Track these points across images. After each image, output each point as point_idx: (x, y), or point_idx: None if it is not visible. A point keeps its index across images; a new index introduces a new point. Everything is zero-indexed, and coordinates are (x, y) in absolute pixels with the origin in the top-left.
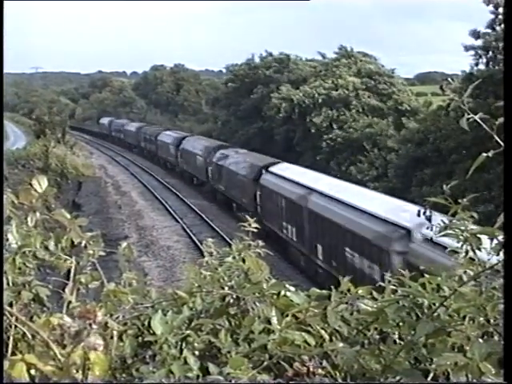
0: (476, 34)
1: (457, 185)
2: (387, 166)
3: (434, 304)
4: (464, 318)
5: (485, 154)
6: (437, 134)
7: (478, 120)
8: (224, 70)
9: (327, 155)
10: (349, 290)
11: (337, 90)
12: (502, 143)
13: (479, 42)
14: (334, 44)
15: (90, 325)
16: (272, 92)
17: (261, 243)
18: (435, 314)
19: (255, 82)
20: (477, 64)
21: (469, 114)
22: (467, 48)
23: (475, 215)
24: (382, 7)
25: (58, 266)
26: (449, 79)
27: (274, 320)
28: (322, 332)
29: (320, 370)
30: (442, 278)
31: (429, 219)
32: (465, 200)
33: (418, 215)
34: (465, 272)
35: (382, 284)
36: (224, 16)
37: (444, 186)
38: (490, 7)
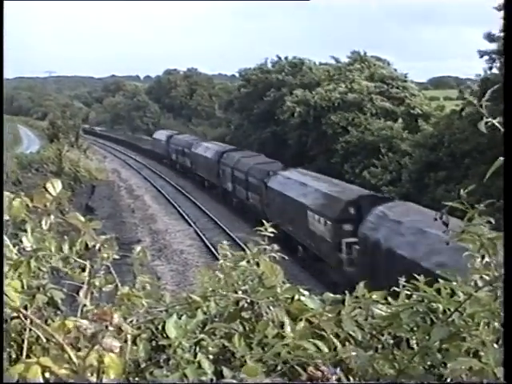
0: (491, 37)
1: (470, 190)
2: (401, 170)
3: (449, 309)
4: (479, 323)
5: (502, 158)
6: (451, 137)
7: (496, 123)
8: (237, 75)
9: (341, 158)
10: (363, 295)
11: (352, 93)
12: None
13: (494, 46)
14: (345, 49)
15: (107, 327)
16: (285, 95)
17: (276, 247)
18: (450, 319)
19: (268, 85)
20: (490, 68)
21: (487, 118)
22: (481, 53)
23: (492, 220)
24: (393, 12)
25: (72, 273)
26: (469, 84)
27: (288, 329)
28: (335, 340)
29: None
30: (457, 283)
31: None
32: (481, 205)
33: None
34: (480, 277)
35: (397, 289)
36: (236, 20)
37: (461, 191)
38: (502, 13)
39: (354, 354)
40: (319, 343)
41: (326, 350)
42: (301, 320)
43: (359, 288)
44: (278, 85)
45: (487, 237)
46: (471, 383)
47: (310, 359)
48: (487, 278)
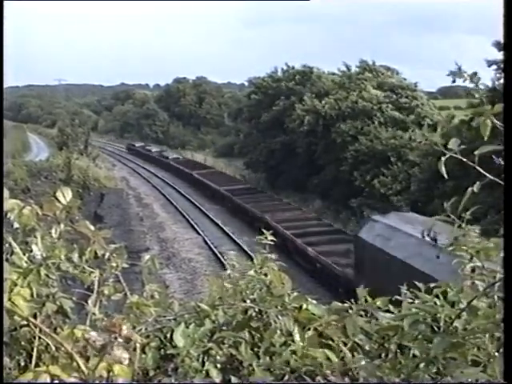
0: (499, 46)
1: (481, 201)
2: (410, 180)
3: (450, 317)
4: (479, 328)
5: (470, 189)
6: (459, 147)
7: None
8: (246, 83)
9: (350, 167)
10: (366, 301)
11: (361, 102)
12: (487, 174)
13: (502, 55)
14: (352, 58)
15: (116, 338)
16: (294, 104)
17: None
18: (451, 328)
19: (278, 94)
20: (499, 78)
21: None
22: (490, 63)
23: (477, 229)
24: (401, 21)
25: (82, 279)
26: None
27: (297, 337)
28: (344, 348)
29: None
30: (453, 291)
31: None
32: (467, 213)
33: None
34: (472, 283)
35: (399, 298)
36: (244, 29)
37: (445, 204)
38: None
39: (361, 363)
40: (328, 353)
41: (335, 359)
42: (309, 329)
43: (359, 292)
44: (287, 93)
45: (485, 244)
46: (471, 383)
47: (319, 369)
48: (481, 284)
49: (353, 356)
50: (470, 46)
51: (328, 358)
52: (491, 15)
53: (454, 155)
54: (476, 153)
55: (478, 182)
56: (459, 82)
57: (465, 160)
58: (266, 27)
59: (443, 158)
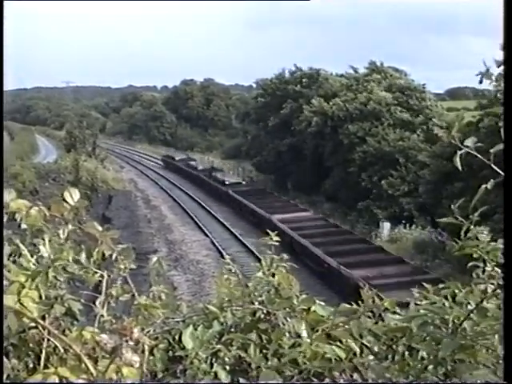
0: None
1: (489, 202)
2: (418, 181)
3: (459, 318)
4: (488, 326)
5: (483, 186)
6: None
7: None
8: (254, 85)
9: (358, 168)
10: (374, 302)
11: (369, 104)
12: (500, 172)
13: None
14: (359, 59)
15: (127, 341)
16: (301, 106)
17: (286, 257)
18: (460, 329)
19: (285, 96)
20: None
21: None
22: (498, 63)
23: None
24: (405, 23)
25: (89, 280)
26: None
27: (304, 333)
28: (353, 345)
29: None
30: (462, 292)
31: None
32: (475, 215)
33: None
34: (485, 288)
35: (408, 299)
36: (250, 31)
37: (452, 206)
38: None
39: (370, 363)
40: (336, 349)
41: (343, 355)
42: (317, 331)
43: (364, 295)
44: (294, 96)
45: (492, 246)
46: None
47: (327, 369)
48: (491, 286)
49: (361, 357)
50: (475, 48)
51: (336, 355)
52: (495, 16)
53: (471, 151)
54: (492, 150)
55: (491, 180)
56: (466, 83)
57: (480, 157)
58: (271, 29)
59: (459, 152)
